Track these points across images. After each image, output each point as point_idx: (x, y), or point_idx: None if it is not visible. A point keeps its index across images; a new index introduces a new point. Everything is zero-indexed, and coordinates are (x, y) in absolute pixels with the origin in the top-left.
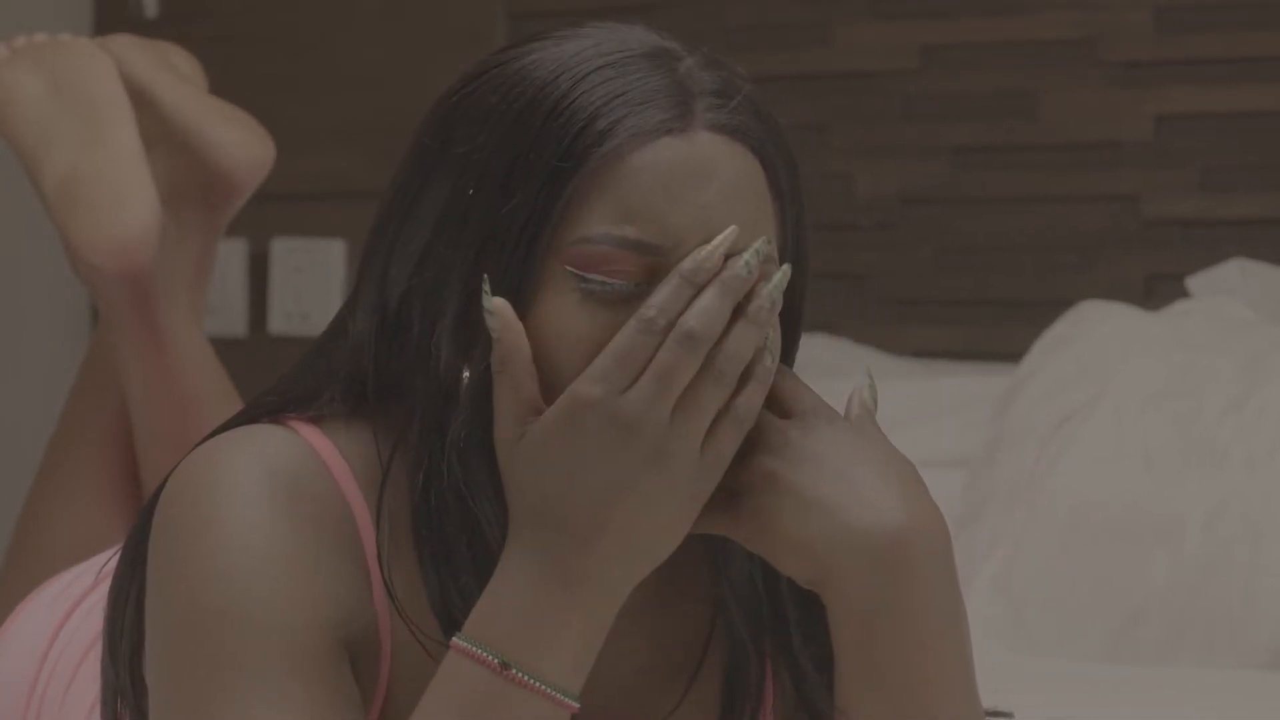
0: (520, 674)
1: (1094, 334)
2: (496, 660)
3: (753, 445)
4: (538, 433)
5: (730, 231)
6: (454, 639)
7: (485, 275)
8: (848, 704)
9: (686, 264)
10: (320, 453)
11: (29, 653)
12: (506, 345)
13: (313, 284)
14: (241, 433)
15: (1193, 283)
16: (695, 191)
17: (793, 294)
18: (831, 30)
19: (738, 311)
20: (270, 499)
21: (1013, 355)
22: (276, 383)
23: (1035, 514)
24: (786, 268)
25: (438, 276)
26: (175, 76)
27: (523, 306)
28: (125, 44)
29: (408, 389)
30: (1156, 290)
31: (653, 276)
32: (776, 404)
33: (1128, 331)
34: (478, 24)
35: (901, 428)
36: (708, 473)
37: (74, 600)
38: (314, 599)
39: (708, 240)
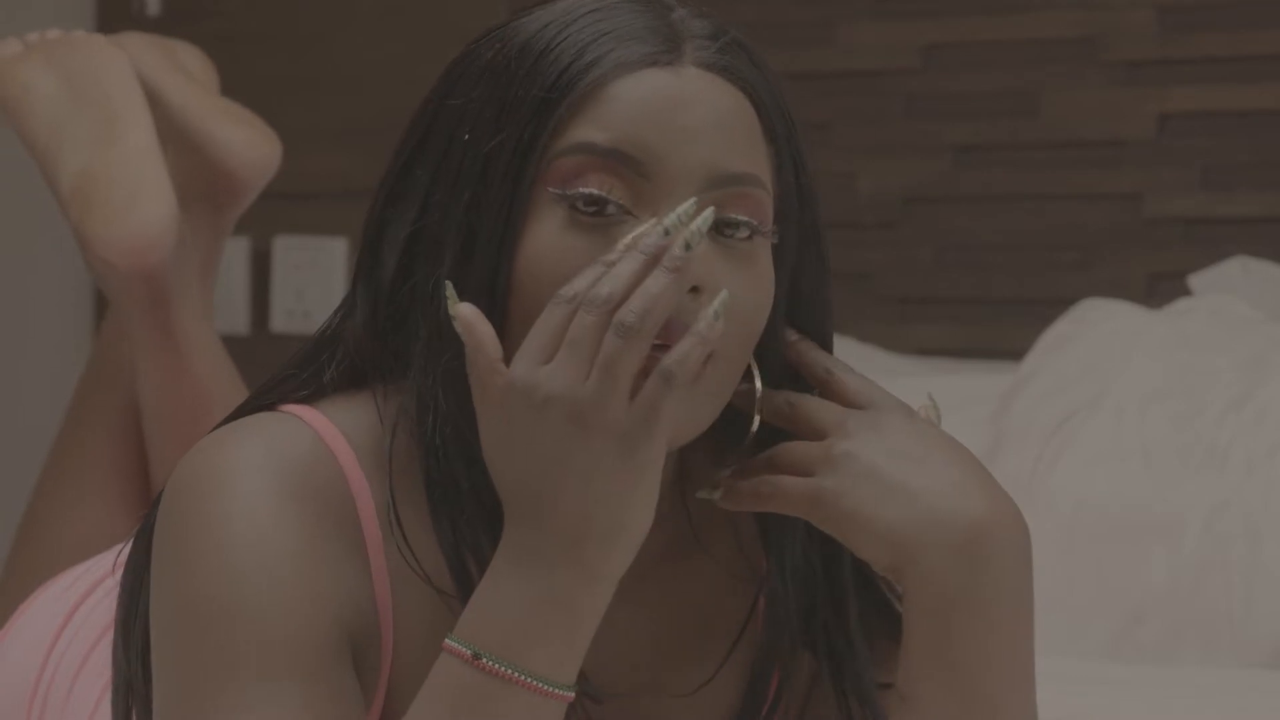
0: (496, 664)
1: (1096, 333)
2: (469, 651)
3: (830, 430)
4: (490, 422)
5: (652, 224)
6: (446, 638)
7: (448, 282)
8: (911, 685)
9: (615, 251)
10: (323, 435)
11: (34, 649)
12: (470, 351)
13: (314, 282)
14: (245, 424)
15: (1195, 281)
16: (676, 115)
17: (809, 255)
18: (834, 29)
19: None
20: (275, 492)
21: (1014, 354)
22: (282, 366)
23: (1036, 513)
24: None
25: (438, 222)
26: (184, 76)
27: (514, 241)
28: (135, 42)
29: (412, 340)
30: (1158, 289)
31: (636, 200)
32: (849, 400)
33: (1129, 330)
34: (480, 24)
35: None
36: (641, 432)
37: (79, 596)
38: (319, 595)
39: (687, 162)
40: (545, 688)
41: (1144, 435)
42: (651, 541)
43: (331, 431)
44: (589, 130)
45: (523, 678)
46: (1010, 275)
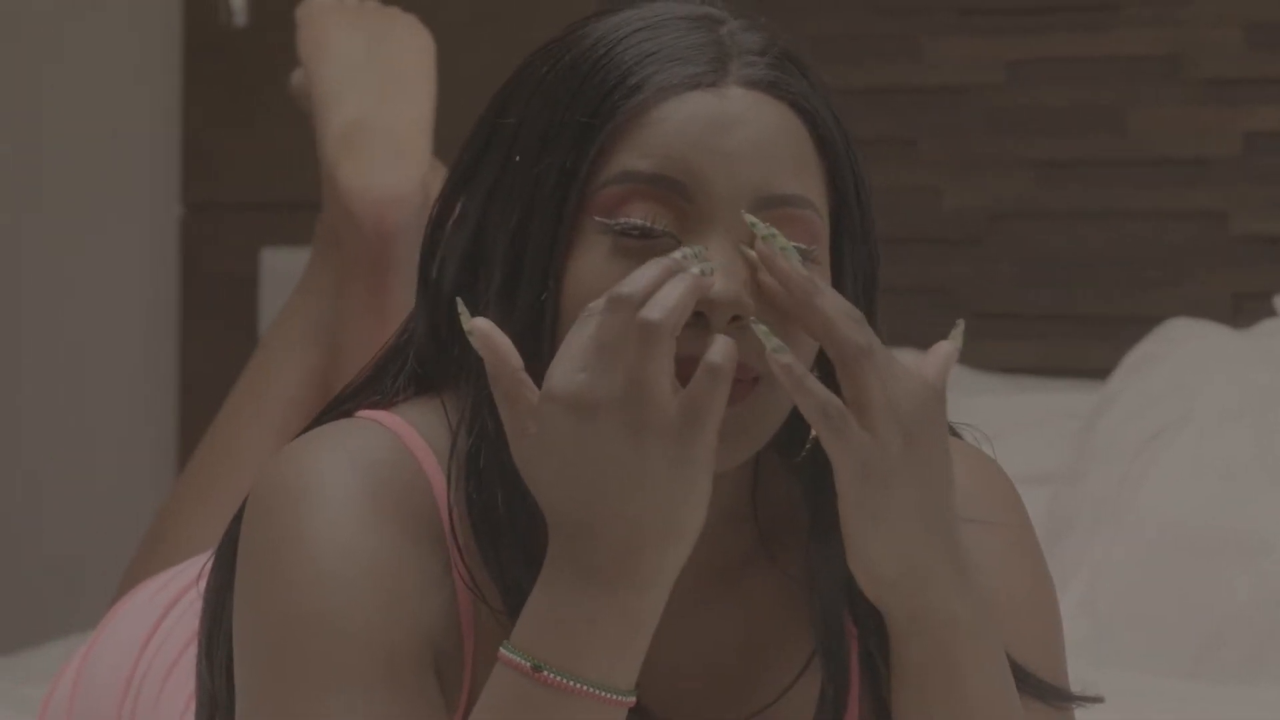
0: (554, 675)
1: (1181, 352)
2: (528, 664)
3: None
4: (523, 435)
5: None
6: (500, 647)
7: (459, 300)
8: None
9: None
10: (403, 438)
11: (126, 650)
12: (491, 365)
13: None
14: (326, 431)
15: None
16: (720, 138)
17: (860, 255)
18: (918, 44)
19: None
20: (359, 500)
21: (1097, 371)
22: (357, 375)
23: (1121, 533)
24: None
25: (491, 242)
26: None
27: (560, 269)
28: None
29: (469, 353)
30: (1244, 308)
31: (682, 225)
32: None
33: (1215, 350)
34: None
35: (984, 443)
36: (692, 431)
37: (172, 597)
38: (404, 606)
39: (732, 185)
40: (605, 694)
41: (1229, 455)
42: (729, 547)
43: (410, 433)
44: (632, 158)
45: (583, 687)
46: (1093, 292)
